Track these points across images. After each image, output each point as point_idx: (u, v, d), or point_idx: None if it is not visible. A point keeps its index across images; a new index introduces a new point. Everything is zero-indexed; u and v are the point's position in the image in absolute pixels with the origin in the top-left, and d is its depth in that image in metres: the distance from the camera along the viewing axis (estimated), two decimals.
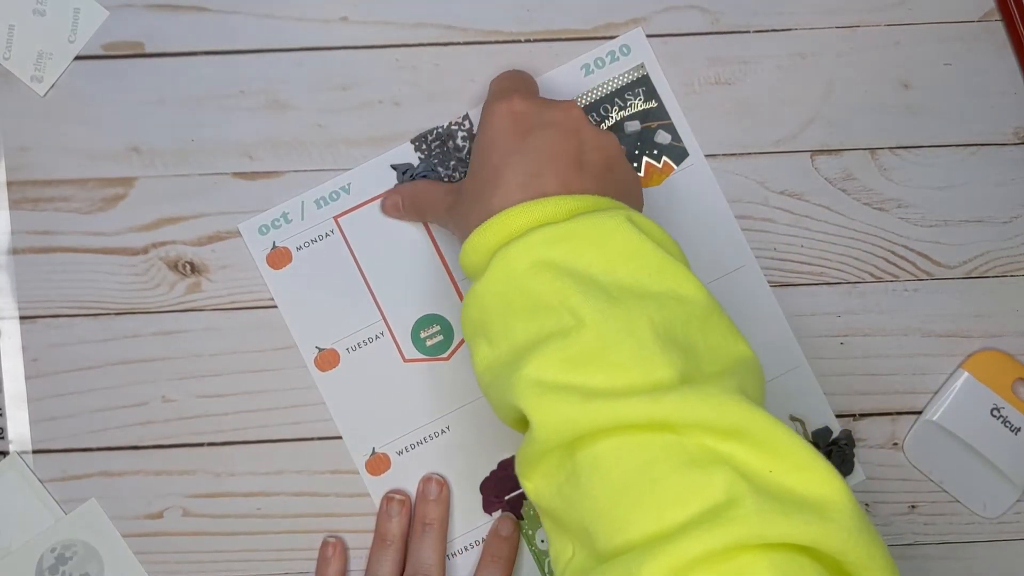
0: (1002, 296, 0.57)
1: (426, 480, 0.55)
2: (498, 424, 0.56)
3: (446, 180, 0.56)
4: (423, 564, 0.54)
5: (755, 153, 0.57)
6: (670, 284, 0.42)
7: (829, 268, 0.57)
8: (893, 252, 0.57)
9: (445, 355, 0.56)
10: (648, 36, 0.57)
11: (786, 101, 0.57)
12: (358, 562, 0.56)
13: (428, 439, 0.56)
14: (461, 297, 0.56)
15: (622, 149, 0.49)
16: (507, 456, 0.56)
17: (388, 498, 0.55)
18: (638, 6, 0.57)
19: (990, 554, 0.57)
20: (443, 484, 0.55)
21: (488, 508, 0.56)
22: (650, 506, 0.38)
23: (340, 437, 0.56)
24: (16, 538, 0.54)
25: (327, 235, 0.56)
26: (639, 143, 0.57)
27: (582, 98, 0.57)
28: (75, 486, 0.56)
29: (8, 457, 0.55)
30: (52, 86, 0.56)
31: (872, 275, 0.57)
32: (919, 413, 0.56)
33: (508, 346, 0.43)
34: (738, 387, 0.40)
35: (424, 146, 0.56)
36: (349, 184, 0.56)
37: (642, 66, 0.57)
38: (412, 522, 0.55)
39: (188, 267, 0.56)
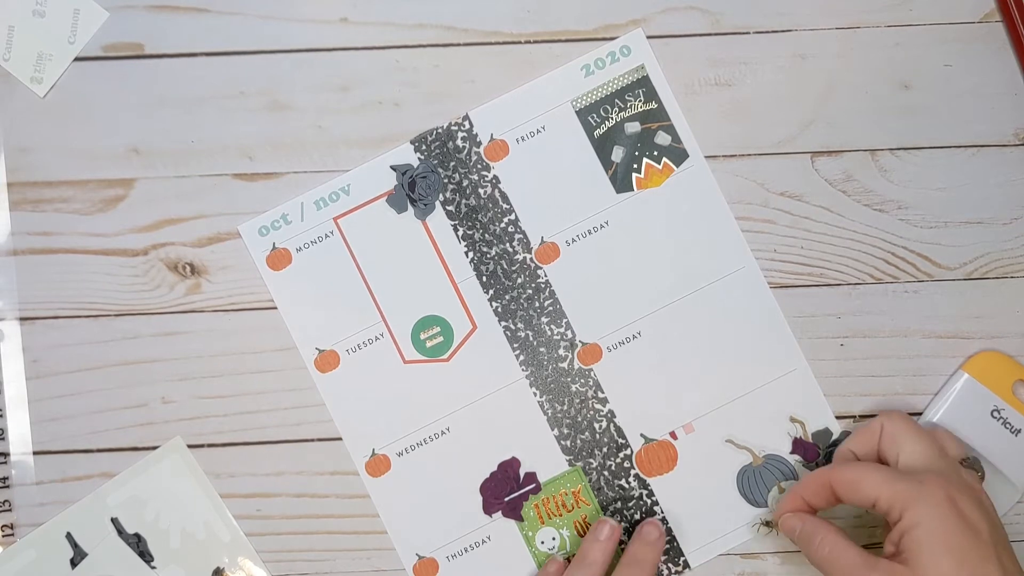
0: (1002, 297, 0.57)
1: (650, 523, 0.54)
2: (498, 425, 0.56)
3: (446, 181, 0.56)
4: None
5: (755, 154, 0.57)
6: None
7: (829, 269, 0.57)
8: (893, 253, 0.57)
9: (445, 356, 0.56)
10: (648, 37, 0.57)
11: (786, 102, 0.57)
12: (356, 563, 0.56)
13: (428, 440, 0.56)
14: (461, 297, 0.56)
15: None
16: (506, 458, 0.56)
17: (602, 520, 0.54)
18: (638, 7, 0.57)
19: None
20: (663, 533, 0.54)
21: (488, 509, 0.56)
22: None
23: (340, 438, 0.56)
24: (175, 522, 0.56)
25: (327, 236, 0.56)
26: (639, 144, 0.57)
27: (582, 99, 0.57)
28: (75, 487, 0.56)
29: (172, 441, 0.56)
30: (52, 87, 0.56)
31: (872, 276, 0.57)
32: (919, 414, 0.56)
33: None
34: None
35: (424, 147, 0.56)
36: (349, 185, 0.56)
37: (642, 67, 0.57)
38: (623, 556, 0.54)
39: (188, 268, 0.56)
